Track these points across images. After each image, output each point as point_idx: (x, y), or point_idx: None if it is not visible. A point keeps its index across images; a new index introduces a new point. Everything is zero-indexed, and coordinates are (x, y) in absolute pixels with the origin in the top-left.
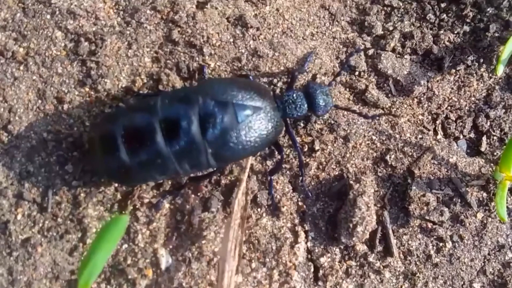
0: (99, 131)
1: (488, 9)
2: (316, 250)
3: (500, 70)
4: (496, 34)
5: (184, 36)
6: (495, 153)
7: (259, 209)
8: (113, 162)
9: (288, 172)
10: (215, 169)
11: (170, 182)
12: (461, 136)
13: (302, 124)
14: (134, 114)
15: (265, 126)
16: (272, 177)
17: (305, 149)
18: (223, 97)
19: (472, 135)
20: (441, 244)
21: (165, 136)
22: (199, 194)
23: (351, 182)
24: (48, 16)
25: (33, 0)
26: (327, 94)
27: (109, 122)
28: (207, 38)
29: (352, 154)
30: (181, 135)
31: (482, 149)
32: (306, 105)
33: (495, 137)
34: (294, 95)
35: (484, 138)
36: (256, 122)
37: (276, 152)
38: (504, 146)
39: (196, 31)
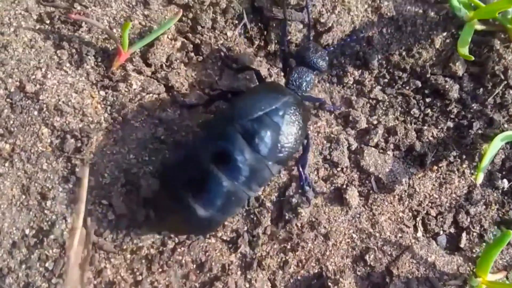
0: (167, 198)
1: (473, 105)
2: None
3: (480, 178)
4: (480, 131)
5: (169, 133)
6: (474, 250)
7: None
8: (191, 220)
9: (267, 268)
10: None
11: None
12: (441, 232)
13: (283, 223)
14: (191, 171)
15: (299, 113)
16: (300, 169)
17: (287, 246)
18: (255, 113)
19: (452, 230)
20: None
21: (228, 176)
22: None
23: (330, 283)
24: (36, 113)
25: (21, 95)
26: (317, 49)
27: (173, 187)
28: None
29: (332, 252)
30: (240, 166)
31: (462, 245)
32: (312, 73)
33: (475, 233)
34: (297, 73)
35: (464, 234)
36: (291, 115)
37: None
38: (483, 243)
39: (181, 129)
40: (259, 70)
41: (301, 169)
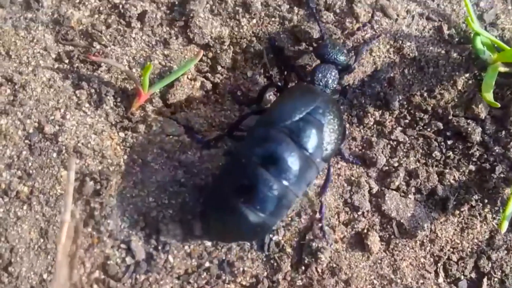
0: (217, 207)
1: (495, 148)
2: None
3: (505, 227)
4: (502, 175)
5: (189, 176)
6: None
7: None
8: (243, 227)
9: None
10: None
11: None
12: (462, 277)
13: (303, 268)
14: (239, 177)
15: (336, 108)
16: (323, 199)
17: None
18: (298, 114)
19: (473, 275)
20: None
21: (278, 177)
22: None
23: None
24: (54, 155)
25: (39, 137)
26: (335, 44)
27: (222, 195)
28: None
29: None
30: (290, 166)
31: None
32: (335, 69)
33: (496, 279)
34: (320, 72)
35: (485, 279)
36: (330, 112)
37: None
38: None
39: (201, 172)
40: (271, 78)
41: (323, 201)
